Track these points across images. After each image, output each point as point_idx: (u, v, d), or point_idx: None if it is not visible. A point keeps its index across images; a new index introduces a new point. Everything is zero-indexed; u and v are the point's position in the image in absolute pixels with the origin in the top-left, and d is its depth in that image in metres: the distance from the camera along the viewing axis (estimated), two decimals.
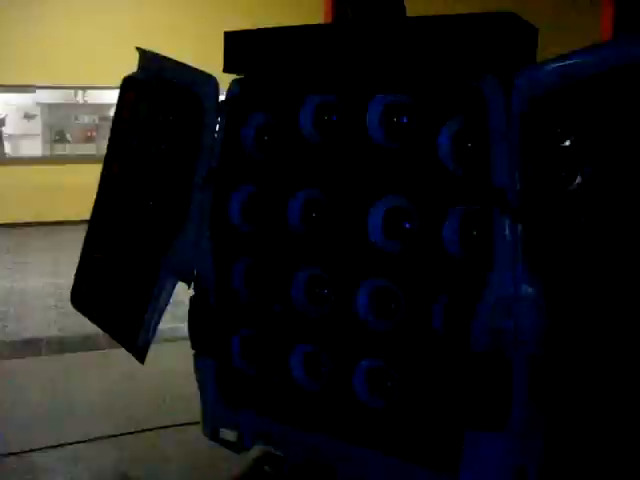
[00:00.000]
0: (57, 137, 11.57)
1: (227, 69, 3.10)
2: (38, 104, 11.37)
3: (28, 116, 11.31)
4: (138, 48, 3.44)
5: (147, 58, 3.39)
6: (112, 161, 3.50)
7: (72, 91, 11.54)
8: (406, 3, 4.07)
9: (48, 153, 11.53)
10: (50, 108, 11.47)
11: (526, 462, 2.66)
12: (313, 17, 8.23)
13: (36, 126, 11.44)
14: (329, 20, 8.55)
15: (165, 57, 3.31)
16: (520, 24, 2.57)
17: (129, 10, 11.42)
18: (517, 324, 2.41)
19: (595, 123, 2.28)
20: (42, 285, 7.08)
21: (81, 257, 3.59)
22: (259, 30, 3.04)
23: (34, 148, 11.42)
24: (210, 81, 3.08)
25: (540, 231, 2.36)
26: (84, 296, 3.59)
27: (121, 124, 3.47)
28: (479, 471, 2.50)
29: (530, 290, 2.40)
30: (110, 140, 3.56)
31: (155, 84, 3.30)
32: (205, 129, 3.10)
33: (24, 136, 11.42)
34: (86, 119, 11.67)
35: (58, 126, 11.55)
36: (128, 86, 3.44)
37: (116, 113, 3.51)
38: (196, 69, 3.15)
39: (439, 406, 2.69)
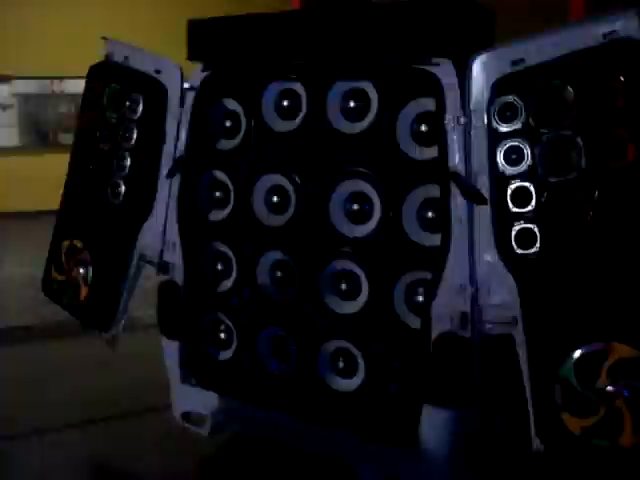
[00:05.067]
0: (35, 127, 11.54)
1: (191, 57, 3.14)
2: (14, 95, 11.31)
3: (3, 106, 11.26)
4: (104, 37, 3.46)
5: (113, 47, 3.41)
6: (80, 149, 3.52)
7: (48, 81, 11.49)
8: None
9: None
10: (26, 99, 11.42)
11: (484, 432, 2.76)
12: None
13: (12, 117, 11.40)
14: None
15: (130, 46, 3.34)
16: (475, 9, 2.63)
17: None
18: (474, 305, 2.48)
19: (547, 107, 2.34)
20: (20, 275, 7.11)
21: (51, 245, 3.62)
22: (222, 18, 3.08)
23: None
24: (174, 69, 3.12)
25: (500, 214, 2.42)
26: (55, 283, 3.62)
27: (88, 113, 3.49)
28: (438, 445, 2.58)
29: (487, 272, 2.46)
30: (77, 128, 3.59)
31: (121, 73, 3.33)
32: (170, 116, 3.14)
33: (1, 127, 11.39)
34: (63, 109, 11.61)
35: (35, 116, 11.50)
36: (94, 75, 3.46)
37: (83, 102, 3.53)
38: (161, 57, 3.19)
39: (402, 386, 2.76)
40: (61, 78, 11.43)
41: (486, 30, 2.72)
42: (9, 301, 6.41)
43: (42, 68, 11.08)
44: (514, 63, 2.37)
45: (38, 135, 11.53)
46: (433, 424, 2.57)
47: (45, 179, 9.95)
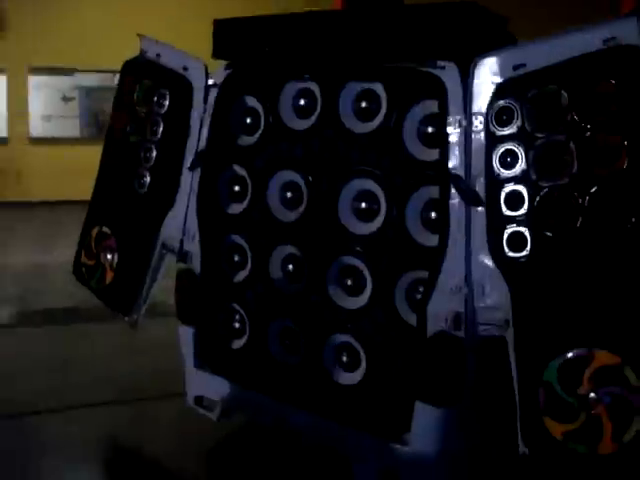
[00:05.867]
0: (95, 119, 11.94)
1: (216, 55, 3.25)
2: (76, 87, 11.72)
3: (66, 98, 11.68)
4: (138, 34, 3.61)
5: (146, 44, 3.56)
6: (111, 141, 3.69)
7: (109, 74, 11.86)
8: None
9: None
10: (88, 91, 11.83)
11: (475, 439, 2.78)
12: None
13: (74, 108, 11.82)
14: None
15: (162, 43, 3.48)
16: (484, 14, 2.65)
17: None
18: (468, 306, 2.51)
19: (541, 111, 2.36)
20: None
21: (82, 231, 3.79)
22: (246, 18, 3.18)
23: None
24: (200, 66, 3.25)
25: (494, 216, 2.46)
26: (84, 267, 3.79)
27: (120, 106, 3.65)
28: (429, 442, 2.62)
29: (482, 274, 2.50)
30: (110, 121, 3.75)
31: (151, 69, 3.47)
32: (194, 112, 3.26)
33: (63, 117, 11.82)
34: None
35: (95, 108, 11.90)
36: (127, 70, 3.61)
37: (116, 96, 3.68)
38: (188, 55, 3.32)
39: (399, 381, 2.81)
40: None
41: (497, 35, 2.75)
42: (57, 284, 6.69)
43: (104, 61, 11.44)
44: (515, 68, 2.40)
45: (97, 127, 11.92)
46: (425, 421, 2.62)
47: None
